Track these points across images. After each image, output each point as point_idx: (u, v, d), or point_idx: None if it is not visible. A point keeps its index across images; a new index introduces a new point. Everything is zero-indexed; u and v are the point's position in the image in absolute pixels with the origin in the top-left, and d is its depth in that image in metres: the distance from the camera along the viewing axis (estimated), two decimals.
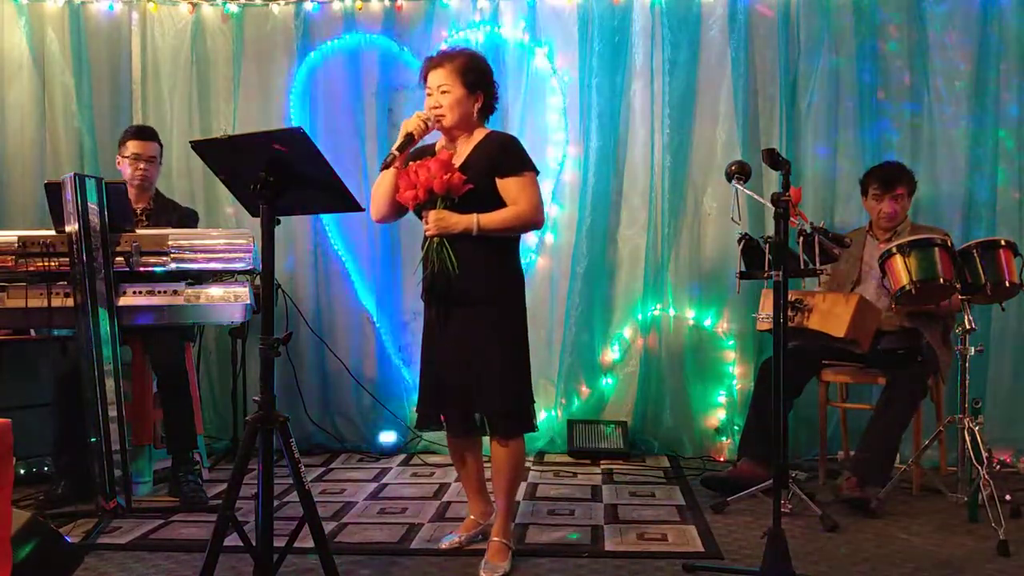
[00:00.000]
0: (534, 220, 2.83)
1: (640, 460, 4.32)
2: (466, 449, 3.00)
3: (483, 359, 2.75)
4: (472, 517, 3.05)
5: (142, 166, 3.75)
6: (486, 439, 2.94)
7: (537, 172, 2.85)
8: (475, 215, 2.70)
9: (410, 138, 2.75)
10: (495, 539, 2.84)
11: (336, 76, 4.56)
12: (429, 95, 2.81)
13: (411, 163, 2.74)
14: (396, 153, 2.72)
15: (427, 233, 2.73)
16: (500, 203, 2.77)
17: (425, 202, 2.69)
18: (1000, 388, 4.18)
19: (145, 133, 3.83)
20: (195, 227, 3.91)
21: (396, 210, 2.88)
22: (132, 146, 3.76)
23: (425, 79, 2.84)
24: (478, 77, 2.82)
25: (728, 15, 4.35)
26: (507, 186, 2.76)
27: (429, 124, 2.78)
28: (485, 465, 3.05)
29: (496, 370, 2.76)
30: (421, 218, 2.78)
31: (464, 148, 2.84)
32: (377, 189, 2.88)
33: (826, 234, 2.76)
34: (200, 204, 4.43)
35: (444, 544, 2.98)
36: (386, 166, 2.75)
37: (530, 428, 2.88)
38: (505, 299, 2.83)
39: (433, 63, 2.83)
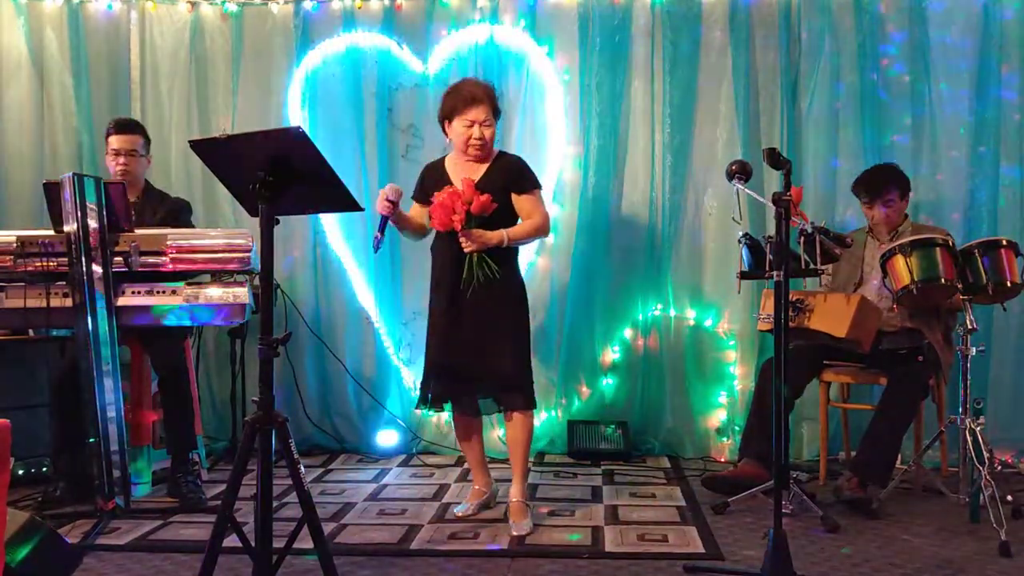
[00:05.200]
0: (546, 231, 3.37)
1: (640, 461, 4.32)
2: (473, 429, 3.42)
3: (504, 345, 3.19)
4: (477, 487, 3.46)
5: (123, 160, 3.70)
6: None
7: (541, 187, 3.37)
8: (503, 230, 3.16)
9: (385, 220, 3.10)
10: (515, 500, 3.25)
11: (335, 75, 4.54)
12: (469, 126, 3.18)
13: (437, 194, 3.13)
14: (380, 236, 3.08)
15: (467, 250, 3.12)
16: (511, 215, 3.24)
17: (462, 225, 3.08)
18: (1002, 388, 4.17)
19: (124, 126, 3.76)
20: (188, 217, 3.88)
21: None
22: (113, 141, 3.72)
23: (461, 110, 3.18)
24: (498, 106, 3.30)
25: (729, 14, 4.34)
26: (523, 202, 3.26)
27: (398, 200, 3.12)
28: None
29: (516, 354, 3.22)
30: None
31: (478, 168, 3.25)
32: (402, 229, 3.28)
33: (827, 234, 2.75)
34: (200, 204, 4.42)
35: (458, 513, 3.34)
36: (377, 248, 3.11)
37: (535, 404, 3.35)
38: (518, 296, 3.30)
39: (476, 97, 3.19)
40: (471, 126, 3.18)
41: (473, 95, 3.18)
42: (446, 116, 3.27)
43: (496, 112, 3.27)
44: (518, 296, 3.30)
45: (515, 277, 3.31)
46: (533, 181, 3.31)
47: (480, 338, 3.19)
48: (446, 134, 3.33)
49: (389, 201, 3.06)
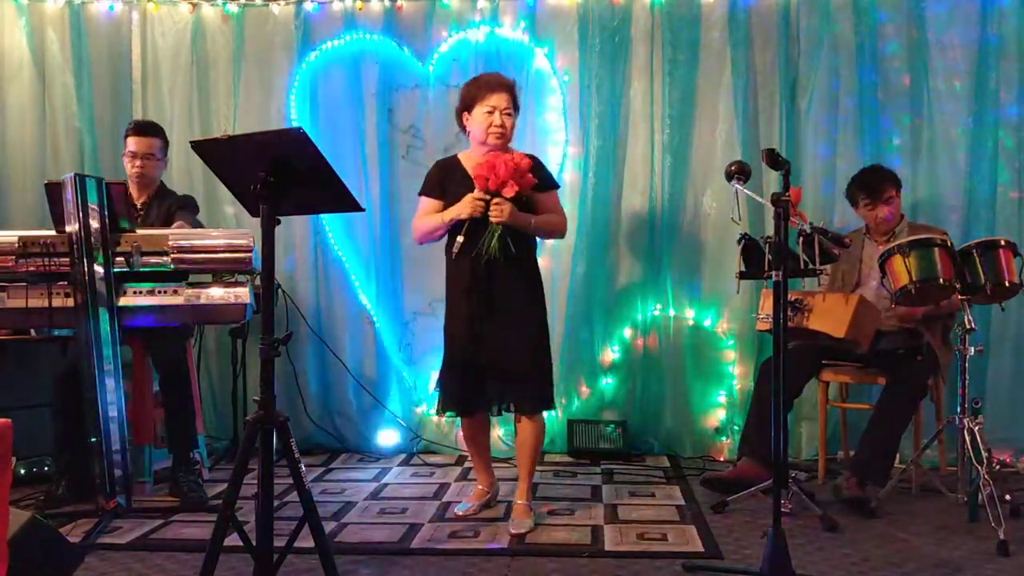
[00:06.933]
0: (565, 231, 3.38)
1: (640, 460, 4.33)
2: (483, 429, 3.41)
3: (525, 346, 3.17)
4: (481, 487, 3.47)
5: (139, 163, 3.74)
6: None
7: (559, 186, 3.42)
8: (531, 215, 3.15)
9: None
10: (519, 502, 3.24)
11: (336, 76, 4.56)
12: (490, 113, 3.17)
13: (489, 154, 3.10)
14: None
15: (495, 220, 3.03)
16: (528, 211, 3.16)
17: (496, 192, 3.02)
18: (1000, 388, 4.18)
19: (143, 129, 3.80)
20: (195, 210, 3.88)
21: None
22: (131, 143, 3.75)
23: (483, 97, 3.17)
24: (518, 101, 3.27)
25: (728, 15, 4.35)
26: (546, 199, 3.25)
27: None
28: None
29: (537, 355, 3.20)
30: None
31: None
32: (432, 232, 3.24)
33: (826, 234, 2.76)
34: (201, 204, 4.40)
35: (460, 512, 3.34)
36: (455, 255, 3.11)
37: (552, 406, 3.30)
38: (539, 293, 3.29)
39: (501, 84, 3.21)
40: (492, 112, 3.17)
41: (494, 82, 3.21)
42: (466, 106, 3.24)
43: (516, 105, 3.25)
44: (539, 299, 3.29)
45: (537, 279, 3.30)
46: (553, 180, 3.36)
47: (507, 342, 3.14)
48: (463, 128, 3.32)
49: (482, 201, 3.06)
